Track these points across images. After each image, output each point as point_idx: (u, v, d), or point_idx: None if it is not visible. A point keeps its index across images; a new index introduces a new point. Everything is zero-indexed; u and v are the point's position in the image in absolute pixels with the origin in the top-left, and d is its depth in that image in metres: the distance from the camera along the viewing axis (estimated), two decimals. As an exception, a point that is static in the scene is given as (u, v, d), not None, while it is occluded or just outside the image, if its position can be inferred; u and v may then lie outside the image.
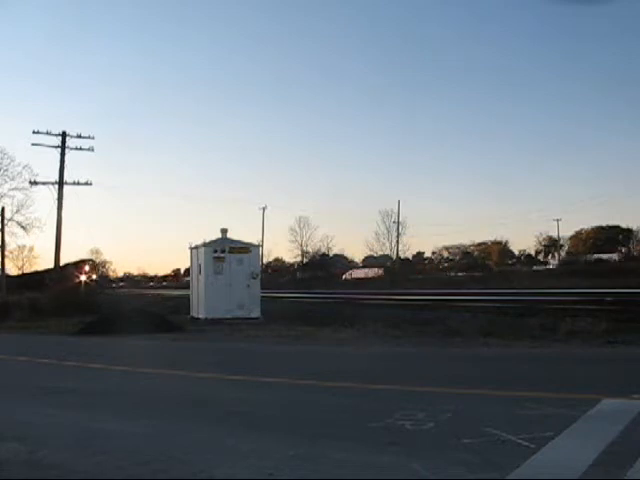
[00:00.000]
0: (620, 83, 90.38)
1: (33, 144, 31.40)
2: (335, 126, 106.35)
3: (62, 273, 32.69)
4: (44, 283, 31.92)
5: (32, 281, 38.40)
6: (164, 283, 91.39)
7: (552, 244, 77.80)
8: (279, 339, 13.70)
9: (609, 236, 71.76)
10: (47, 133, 31.74)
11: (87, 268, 46.31)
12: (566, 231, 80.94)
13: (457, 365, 9.38)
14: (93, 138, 32.53)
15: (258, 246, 21.16)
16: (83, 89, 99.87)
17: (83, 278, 38.98)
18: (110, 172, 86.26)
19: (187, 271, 51.06)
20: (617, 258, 65.33)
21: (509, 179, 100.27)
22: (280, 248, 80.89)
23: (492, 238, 77.78)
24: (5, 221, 39.21)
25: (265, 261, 69.97)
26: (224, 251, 18.84)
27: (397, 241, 68.39)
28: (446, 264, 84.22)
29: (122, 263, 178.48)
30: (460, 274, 67.71)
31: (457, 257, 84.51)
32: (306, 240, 75.01)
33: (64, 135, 31.97)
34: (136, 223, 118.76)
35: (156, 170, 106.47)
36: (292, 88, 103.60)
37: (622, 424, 4.99)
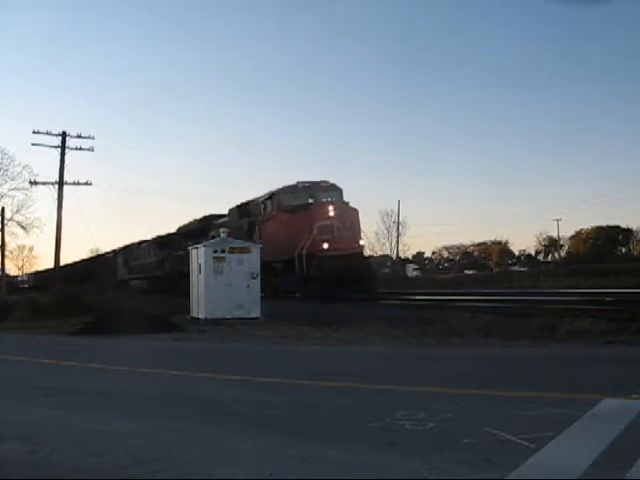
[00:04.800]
0: (620, 83, 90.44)
1: (33, 144, 31.51)
2: (335, 126, 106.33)
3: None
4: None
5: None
6: None
7: (552, 244, 77.79)
8: (279, 339, 13.67)
9: (609, 236, 71.74)
10: (47, 133, 31.85)
11: None
12: (566, 231, 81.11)
13: (457, 365, 9.36)
14: (93, 138, 32.66)
15: (258, 246, 21.16)
16: (83, 89, 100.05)
17: None
18: (110, 172, 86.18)
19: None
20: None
21: (509, 179, 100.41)
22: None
23: (492, 238, 77.78)
24: (5, 221, 39.25)
25: (265, 261, 69.68)
26: (224, 251, 18.83)
27: (397, 241, 68.41)
28: (446, 264, 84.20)
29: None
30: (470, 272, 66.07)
31: (457, 257, 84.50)
32: (306, 240, 74.75)
33: (64, 135, 32.03)
34: (136, 223, 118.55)
35: (156, 170, 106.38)
36: (292, 88, 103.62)
37: (622, 424, 4.98)
